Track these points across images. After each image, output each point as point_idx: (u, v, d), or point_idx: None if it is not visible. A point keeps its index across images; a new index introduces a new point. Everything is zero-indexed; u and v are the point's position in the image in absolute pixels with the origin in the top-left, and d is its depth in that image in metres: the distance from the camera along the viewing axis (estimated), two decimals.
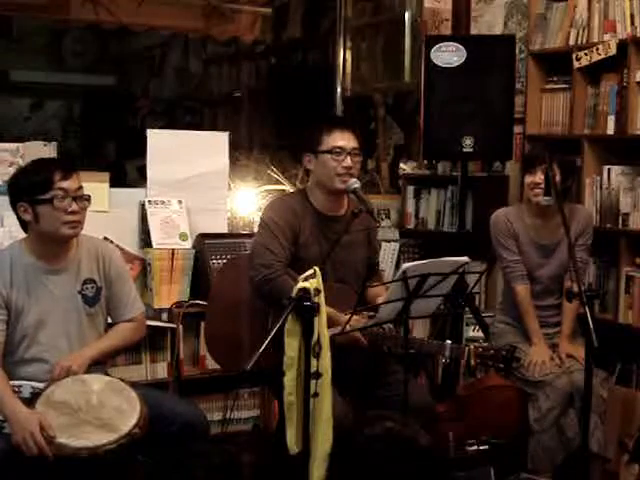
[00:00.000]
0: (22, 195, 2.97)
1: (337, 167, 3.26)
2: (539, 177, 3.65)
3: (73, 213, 2.96)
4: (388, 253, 4.82)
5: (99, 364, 3.13)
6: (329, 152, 3.27)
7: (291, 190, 4.49)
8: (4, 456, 2.73)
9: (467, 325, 4.49)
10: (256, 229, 3.56)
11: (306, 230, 3.31)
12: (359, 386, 3.29)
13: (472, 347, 3.26)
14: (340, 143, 3.27)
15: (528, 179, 3.71)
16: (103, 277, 3.13)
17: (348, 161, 3.26)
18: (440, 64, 4.28)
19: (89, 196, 3.03)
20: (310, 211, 3.34)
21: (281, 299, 2.77)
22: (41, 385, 2.90)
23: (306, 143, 3.37)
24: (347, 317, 2.97)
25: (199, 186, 4.16)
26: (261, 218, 3.38)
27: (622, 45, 4.03)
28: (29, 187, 2.96)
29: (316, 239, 3.31)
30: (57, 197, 2.93)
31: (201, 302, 3.83)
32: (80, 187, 3.00)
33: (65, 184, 2.95)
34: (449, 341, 3.35)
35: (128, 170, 7.05)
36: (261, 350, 2.55)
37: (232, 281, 3.40)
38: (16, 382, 2.92)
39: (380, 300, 3.19)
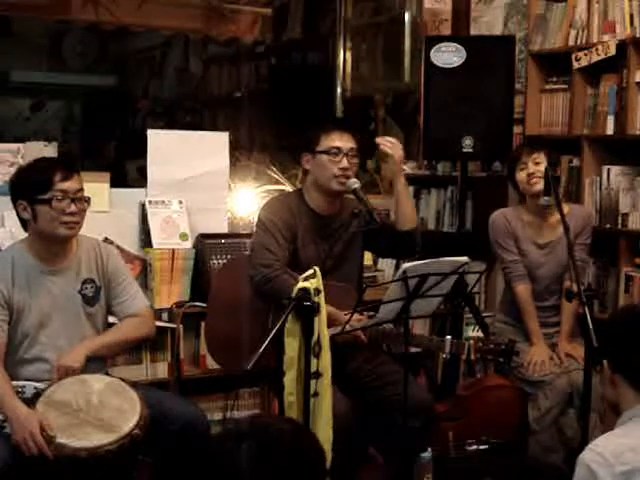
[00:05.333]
0: (22, 193, 2.98)
1: (334, 168, 3.27)
2: (531, 168, 3.67)
3: (71, 214, 2.96)
4: None
5: (100, 361, 3.14)
6: (326, 152, 3.28)
7: (291, 190, 4.50)
8: (4, 456, 2.73)
9: (467, 325, 4.49)
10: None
11: (302, 230, 3.32)
12: (359, 386, 3.29)
13: (472, 342, 3.28)
14: (337, 144, 3.29)
15: (522, 175, 3.72)
16: (102, 276, 3.13)
17: (345, 162, 3.27)
18: (440, 64, 4.28)
19: (89, 198, 3.03)
20: (306, 211, 3.35)
21: (282, 298, 2.78)
22: (44, 385, 2.91)
23: (305, 143, 3.38)
24: (347, 316, 2.97)
25: (199, 186, 4.16)
26: (258, 218, 3.40)
27: (621, 45, 4.04)
28: (29, 186, 2.97)
29: (312, 239, 3.33)
30: (56, 198, 2.93)
31: (201, 304, 3.83)
32: (80, 189, 3.00)
33: (65, 185, 2.95)
34: (449, 336, 3.36)
35: (128, 170, 7.06)
36: (261, 350, 2.56)
37: (231, 282, 3.41)
38: (20, 382, 2.92)
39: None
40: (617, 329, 2.23)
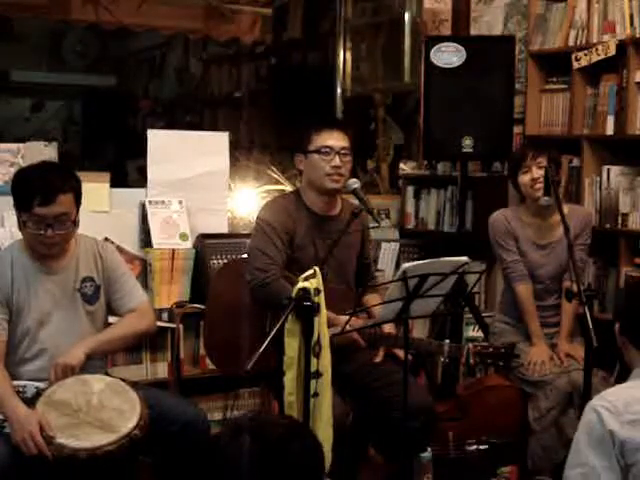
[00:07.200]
0: (13, 200, 2.98)
1: (326, 167, 3.26)
2: (535, 172, 3.66)
3: (49, 237, 2.91)
4: (388, 253, 4.83)
5: (101, 361, 3.15)
6: (317, 152, 3.28)
7: (291, 190, 4.50)
8: (4, 456, 2.73)
9: (467, 325, 4.49)
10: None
11: (301, 231, 3.31)
12: (359, 386, 3.29)
13: (471, 346, 3.28)
14: (328, 142, 3.28)
15: (525, 178, 3.71)
16: (101, 274, 3.12)
17: (337, 160, 3.26)
18: (440, 64, 4.28)
19: (73, 221, 2.95)
20: (304, 212, 3.34)
21: (278, 303, 2.77)
22: (45, 385, 2.90)
23: (297, 144, 3.38)
24: (345, 318, 2.97)
25: (199, 186, 4.16)
26: (256, 221, 3.38)
27: (621, 46, 4.04)
28: (14, 199, 2.96)
29: (311, 240, 3.32)
30: (32, 221, 2.89)
31: (201, 306, 3.82)
32: (62, 213, 2.90)
33: (42, 211, 2.87)
34: (447, 340, 3.37)
35: (128, 170, 7.07)
36: (261, 350, 2.55)
37: (229, 285, 3.39)
38: (21, 382, 2.92)
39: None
40: (627, 297, 2.42)
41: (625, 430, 2.01)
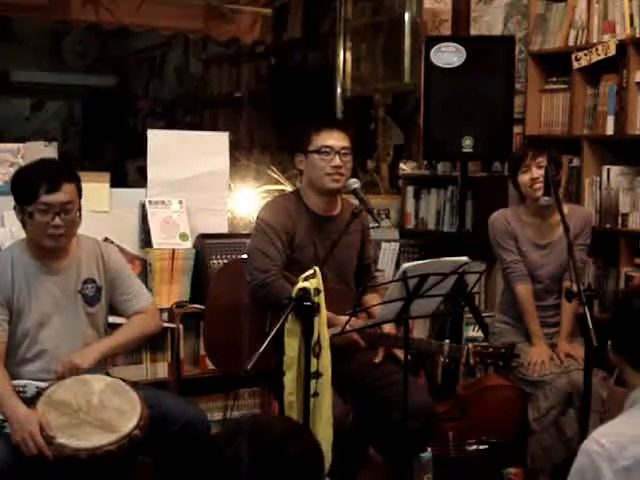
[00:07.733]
0: (14, 198, 2.98)
1: (326, 167, 3.26)
2: (535, 172, 3.66)
3: (55, 227, 2.91)
4: (388, 253, 4.83)
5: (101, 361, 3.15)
6: (317, 152, 3.28)
7: (291, 190, 4.50)
8: (4, 456, 2.73)
9: (467, 325, 4.50)
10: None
11: (301, 231, 3.31)
12: (359, 387, 3.29)
13: (471, 346, 3.28)
14: (328, 142, 3.28)
15: (524, 178, 3.71)
16: (103, 276, 3.13)
17: (337, 160, 3.26)
18: (440, 64, 4.28)
19: (78, 210, 2.97)
20: (304, 212, 3.34)
21: (278, 303, 2.77)
22: (45, 385, 2.90)
23: (297, 144, 3.38)
24: (345, 318, 2.97)
25: (199, 186, 4.16)
26: (256, 222, 3.38)
27: (621, 46, 4.04)
28: (16, 195, 2.96)
29: (311, 240, 3.32)
30: (39, 211, 2.89)
31: (201, 306, 3.82)
32: (69, 201, 2.92)
33: (49, 198, 2.88)
34: (447, 340, 3.37)
35: (128, 170, 7.07)
36: (261, 350, 2.56)
37: (228, 285, 3.40)
38: (21, 382, 2.93)
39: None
40: (620, 312, 2.23)
41: (619, 478, 1.91)
